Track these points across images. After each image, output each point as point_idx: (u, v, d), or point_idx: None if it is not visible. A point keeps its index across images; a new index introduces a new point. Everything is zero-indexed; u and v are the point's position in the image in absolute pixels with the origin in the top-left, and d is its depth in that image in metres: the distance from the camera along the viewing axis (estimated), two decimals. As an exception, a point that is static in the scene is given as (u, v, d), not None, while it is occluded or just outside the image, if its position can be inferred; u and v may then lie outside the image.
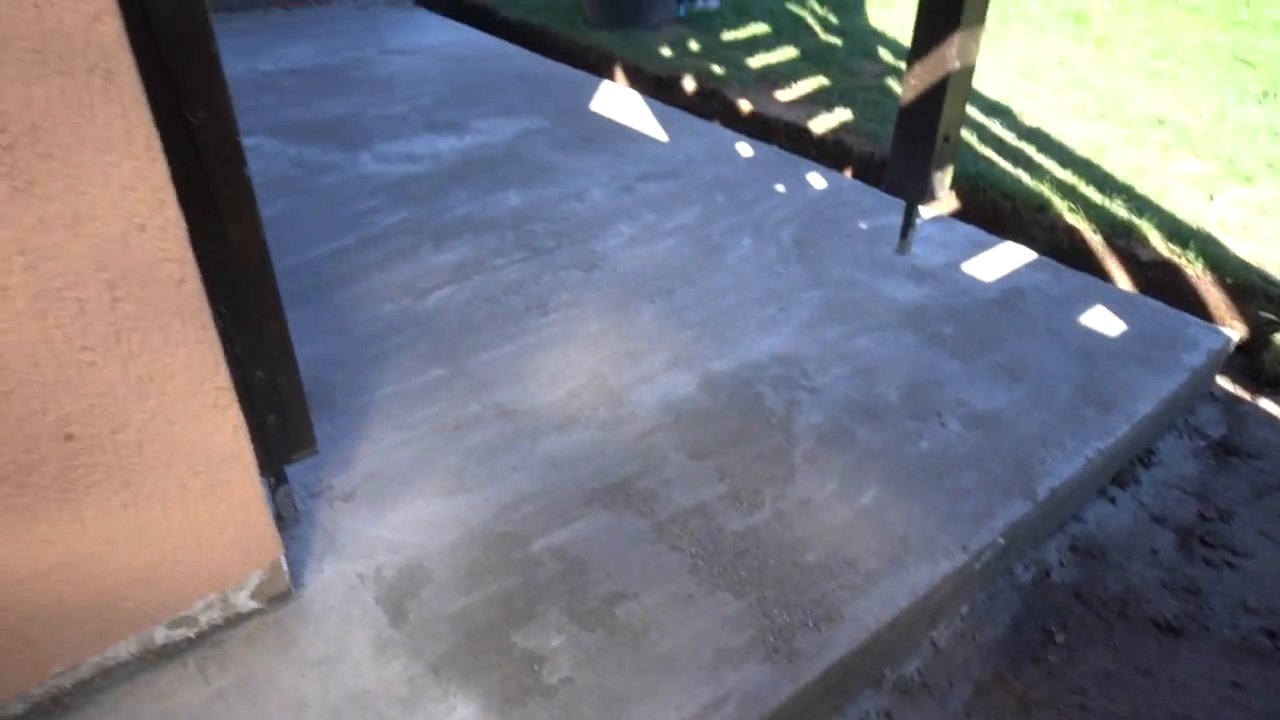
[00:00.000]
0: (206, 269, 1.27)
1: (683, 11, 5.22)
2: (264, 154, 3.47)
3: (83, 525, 1.27)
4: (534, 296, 2.58)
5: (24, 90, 0.99)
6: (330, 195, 3.16)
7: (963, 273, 2.81)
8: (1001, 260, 2.88)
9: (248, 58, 4.53)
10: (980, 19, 2.49)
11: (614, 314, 2.52)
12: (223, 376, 1.32)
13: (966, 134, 3.76)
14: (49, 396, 1.15)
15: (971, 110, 3.98)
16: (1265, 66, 4.64)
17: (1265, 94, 4.27)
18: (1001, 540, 1.83)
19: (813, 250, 2.90)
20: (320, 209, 3.06)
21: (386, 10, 5.44)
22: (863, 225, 3.07)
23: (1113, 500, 2.20)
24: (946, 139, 2.64)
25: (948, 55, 2.48)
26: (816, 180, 3.38)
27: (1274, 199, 3.32)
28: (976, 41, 2.52)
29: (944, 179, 2.73)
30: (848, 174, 3.76)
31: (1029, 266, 2.86)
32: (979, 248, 2.96)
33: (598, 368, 2.28)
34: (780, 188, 3.31)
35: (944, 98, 2.53)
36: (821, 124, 3.91)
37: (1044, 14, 5.42)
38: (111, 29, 1.04)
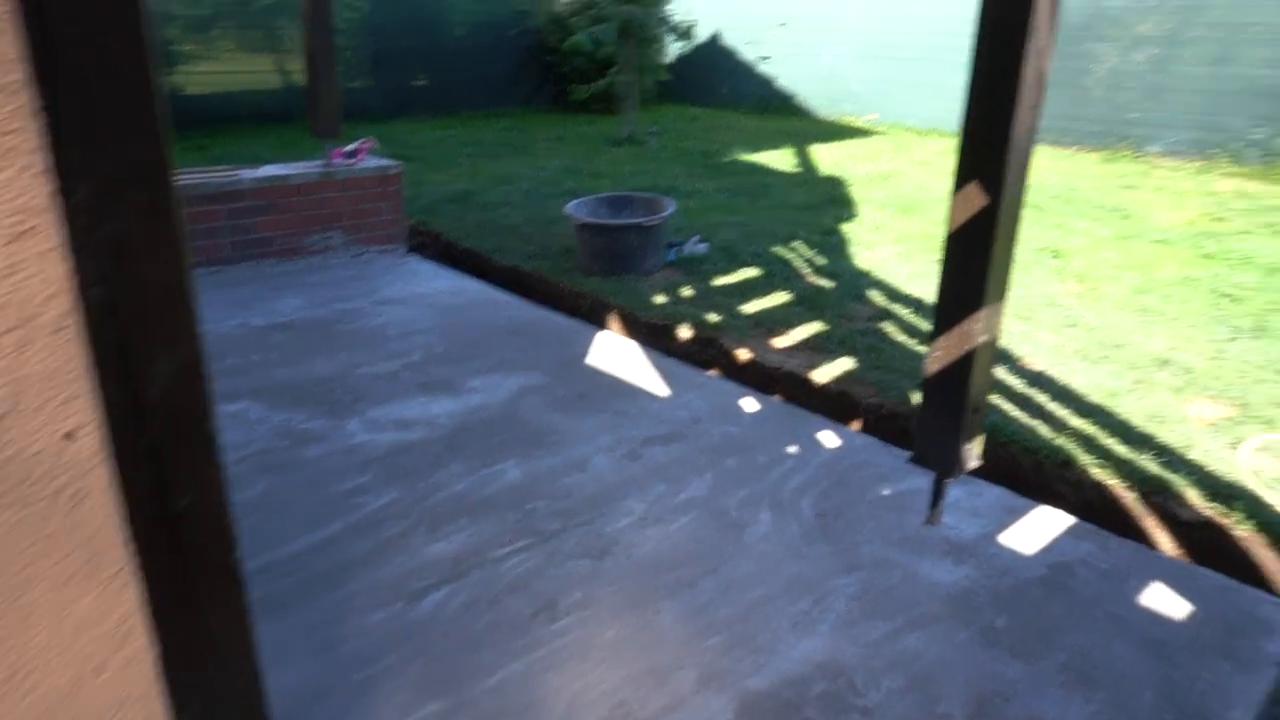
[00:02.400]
0: (182, 697, 1.02)
1: (673, 257, 5.32)
2: (248, 422, 3.30)
3: None
4: (541, 596, 2.33)
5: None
6: (316, 471, 2.96)
7: (1001, 546, 2.60)
8: (1039, 529, 2.69)
9: (240, 310, 4.48)
10: (1002, 294, 2.44)
11: (632, 615, 2.26)
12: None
13: (973, 381, 3.69)
14: None
15: (973, 355, 3.94)
16: (1248, 300, 4.72)
17: (1258, 329, 4.30)
18: None
19: (837, 524, 2.70)
20: (305, 489, 2.85)
21: (380, 258, 5.50)
22: (885, 491, 2.90)
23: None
24: (975, 410, 2.52)
25: (973, 330, 2.40)
26: (828, 438, 3.24)
27: (1301, 447, 3.21)
28: (1000, 314, 2.46)
29: (974, 449, 2.59)
30: (856, 426, 3.64)
31: (1069, 535, 2.66)
32: (1013, 514, 2.77)
33: (619, 692, 1.99)
34: (792, 449, 3.16)
35: (971, 370, 2.44)
36: (824, 373, 3.83)
37: (1023, 251, 5.59)
38: (88, 445, 0.86)
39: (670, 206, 5.17)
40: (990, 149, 2.28)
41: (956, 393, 2.47)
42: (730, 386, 3.71)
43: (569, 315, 4.63)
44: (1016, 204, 2.37)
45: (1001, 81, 2.19)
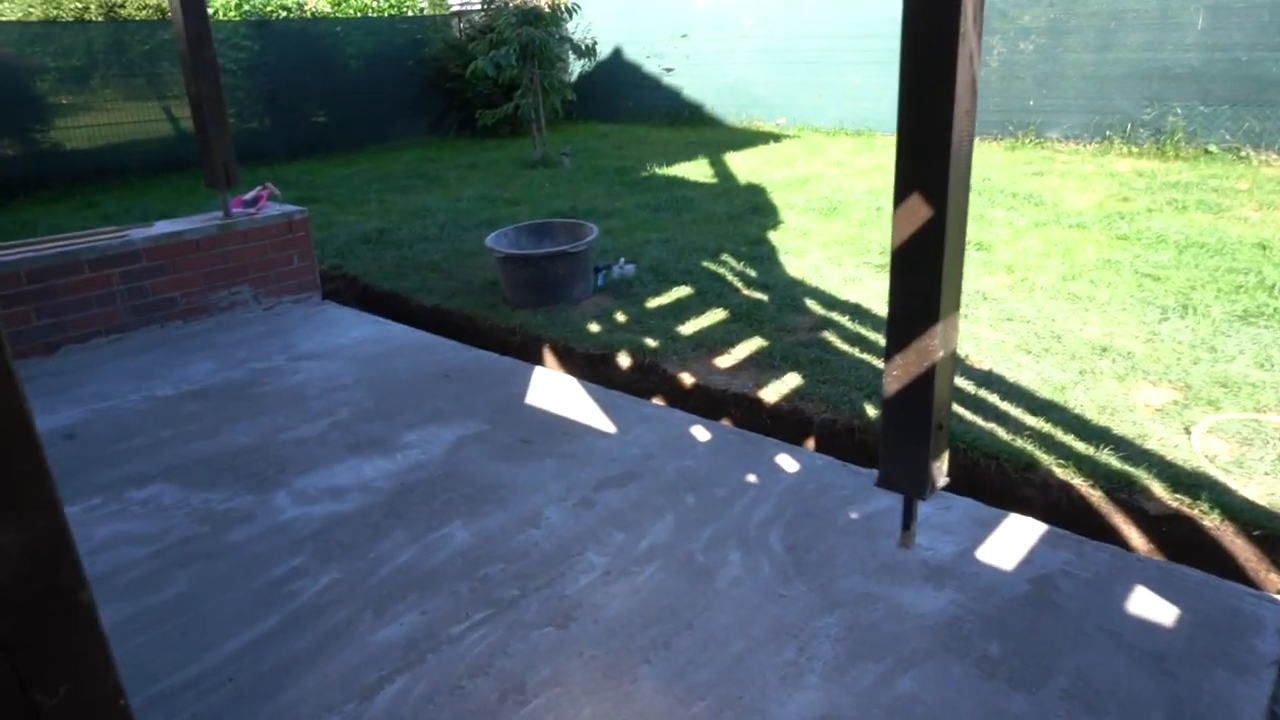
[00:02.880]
0: None
1: (601, 282, 5.17)
2: (163, 507, 3.01)
3: None
4: (507, 676, 2.13)
5: None
6: (244, 558, 2.70)
7: (980, 564, 2.51)
8: (1014, 540, 2.61)
9: (144, 381, 4.14)
10: (956, 305, 2.35)
11: (607, 688, 2.08)
12: None
13: (922, 387, 3.63)
14: None
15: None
16: (1168, 279, 4.81)
17: (1184, 307, 4.36)
18: None
19: (810, 557, 2.57)
20: (232, 580, 2.59)
21: (293, 309, 5.20)
22: (854, 515, 2.79)
23: None
24: (940, 426, 2.43)
25: (930, 346, 2.31)
26: (787, 462, 3.12)
27: (1248, 424, 3.23)
28: (955, 326, 2.38)
29: (942, 466, 2.50)
30: (811, 444, 3.54)
31: (1045, 544, 2.59)
32: (985, 526, 2.69)
33: (606, 783, 1.81)
34: (752, 478, 3.03)
35: (933, 387, 2.34)
36: (772, 392, 3.72)
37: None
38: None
39: (593, 231, 5.02)
40: (930, 159, 2.19)
41: (920, 411, 2.37)
42: (679, 415, 3.56)
43: (501, 352, 4.43)
44: (963, 213, 2.29)
45: (935, 89, 2.10)
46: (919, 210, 2.23)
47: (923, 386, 2.36)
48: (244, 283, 5.06)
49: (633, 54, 13.81)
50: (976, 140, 10.01)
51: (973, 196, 6.83)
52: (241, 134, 10.64)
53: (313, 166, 10.34)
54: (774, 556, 2.58)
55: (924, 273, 2.27)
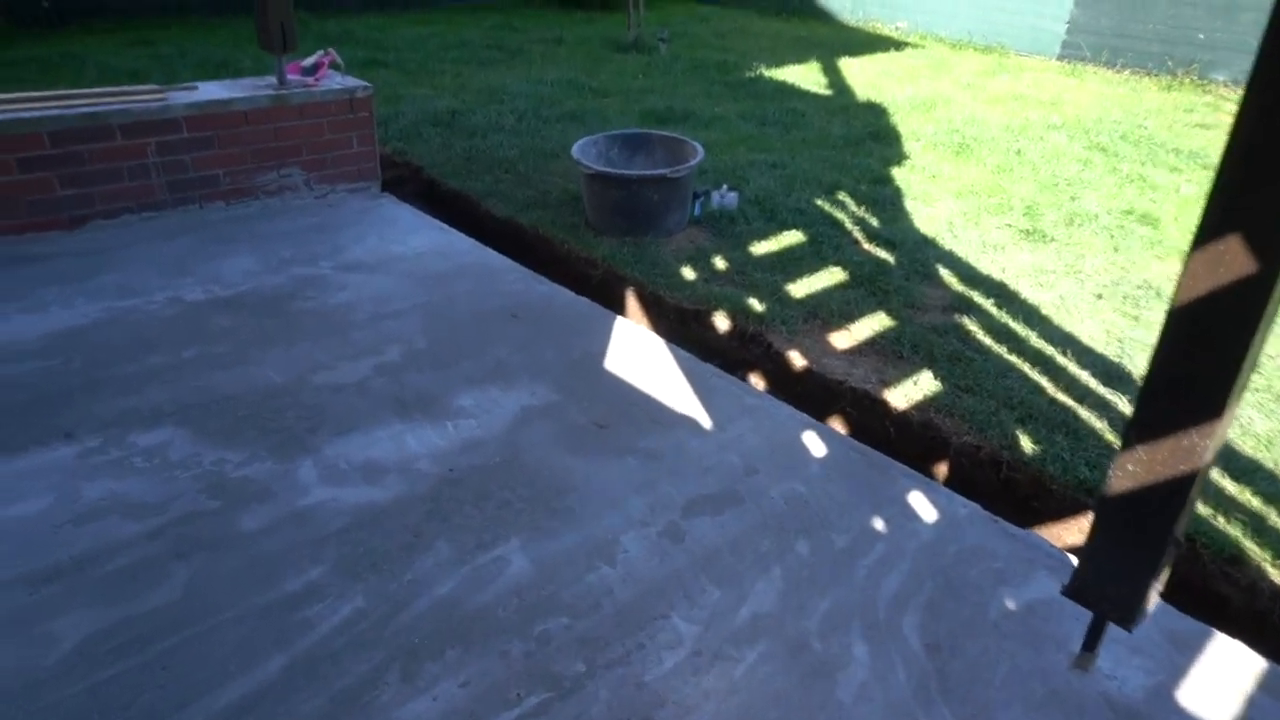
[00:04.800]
0: None
1: (698, 211, 4.46)
2: (169, 464, 2.52)
3: None
4: (565, 816, 1.63)
5: None
6: (254, 555, 2.20)
7: (1184, 713, 1.92)
8: (1224, 678, 2.00)
9: (174, 275, 3.62)
10: (1241, 390, 1.67)
11: None
12: None
13: (1072, 417, 2.96)
14: None
15: (1084, 380, 3.19)
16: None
17: None
18: None
19: (956, 665, 2.00)
20: (236, 587, 2.10)
21: (349, 199, 4.61)
22: (1010, 603, 2.19)
23: None
24: (1177, 543, 1.79)
25: (1198, 446, 1.64)
26: (922, 505, 2.51)
27: None
28: (1230, 421, 1.70)
29: (1159, 586, 1.88)
30: (943, 470, 2.92)
31: (1267, 691, 1.98)
32: (1184, 649, 2.08)
33: None
34: (879, 523, 2.44)
35: (1186, 497, 1.70)
36: (901, 395, 3.08)
37: (1106, 212, 4.76)
38: None
39: (698, 153, 4.28)
40: None
41: (1156, 523, 1.73)
42: (787, 412, 2.95)
43: (578, 288, 3.81)
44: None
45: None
46: (1235, 261, 1.52)
47: (1170, 494, 1.71)
48: (295, 164, 4.46)
49: (745, -74, 12.44)
50: (1123, 73, 8.80)
51: (1127, 149, 5.89)
52: (314, -25, 9.78)
53: (385, 22, 9.50)
54: (910, 656, 2.01)
55: (1220, 350, 1.58)
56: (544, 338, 3.33)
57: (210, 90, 4.22)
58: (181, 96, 4.06)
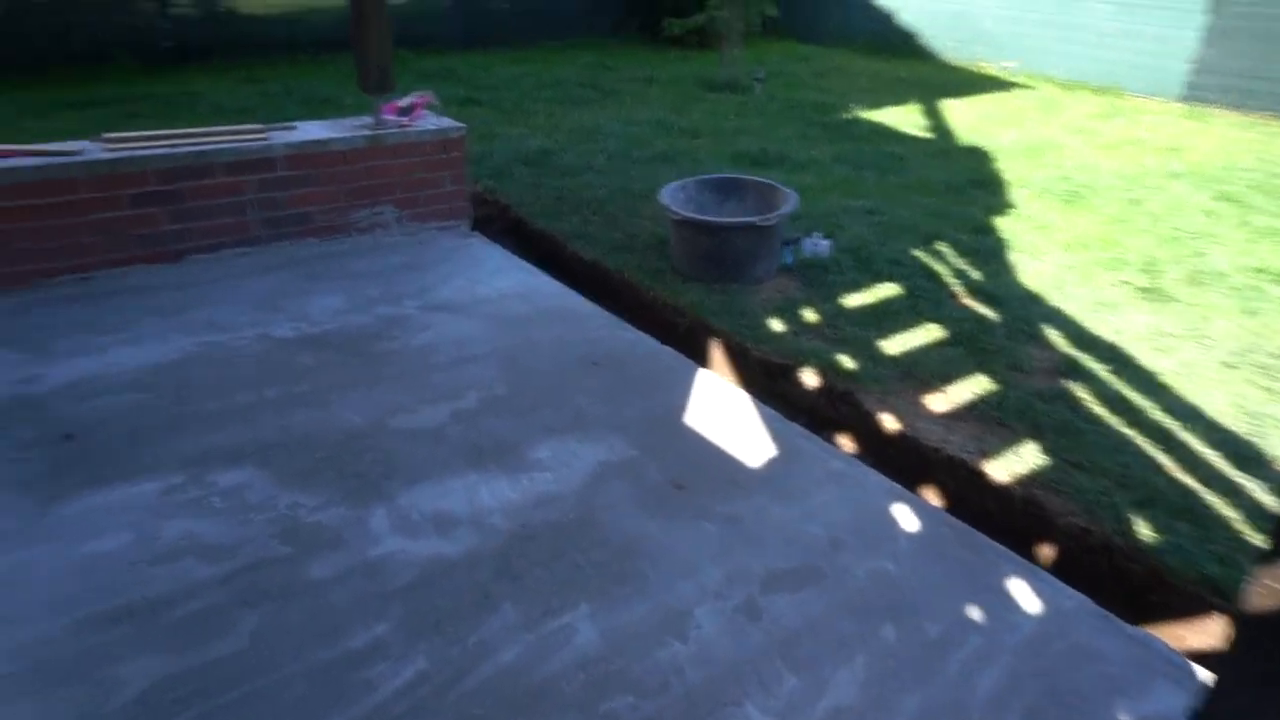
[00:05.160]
0: None
1: (789, 259, 4.33)
2: (246, 505, 2.51)
3: None
4: None
5: None
6: (320, 607, 2.16)
7: None
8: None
9: (264, 312, 3.69)
10: None
11: None
12: None
13: (1204, 505, 2.70)
14: None
15: (1211, 459, 2.93)
16: None
17: None
18: None
19: (1064, 784, 1.80)
20: (300, 640, 2.06)
21: (438, 238, 4.65)
22: (1122, 718, 1.97)
23: None
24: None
25: (1362, 566, 1.43)
26: (1023, 593, 2.31)
27: None
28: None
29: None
30: (1049, 552, 2.70)
31: None
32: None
33: None
34: (974, 612, 2.25)
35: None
36: (1002, 467, 2.88)
37: (1236, 272, 4.42)
38: None
39: (791, 200, 4.17)
40: None
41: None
42: (875, 480, 2.78)
43: (662, 336, 3.73)
44: None
45: None
46: None
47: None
48: (388, 203, 4.52)
49: (846, -35, 12.35)
50: (1252, 116, 8.30)
51: (1261, 199, 5.51)
52: (419, 15, 10.11)
53: (485, 60, 9.72)
54: (1011, 772, 1.82)
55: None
56: (625, 388, 3.25)
57: (309, 130, 4.33)
58: (281, 136, 4.16)
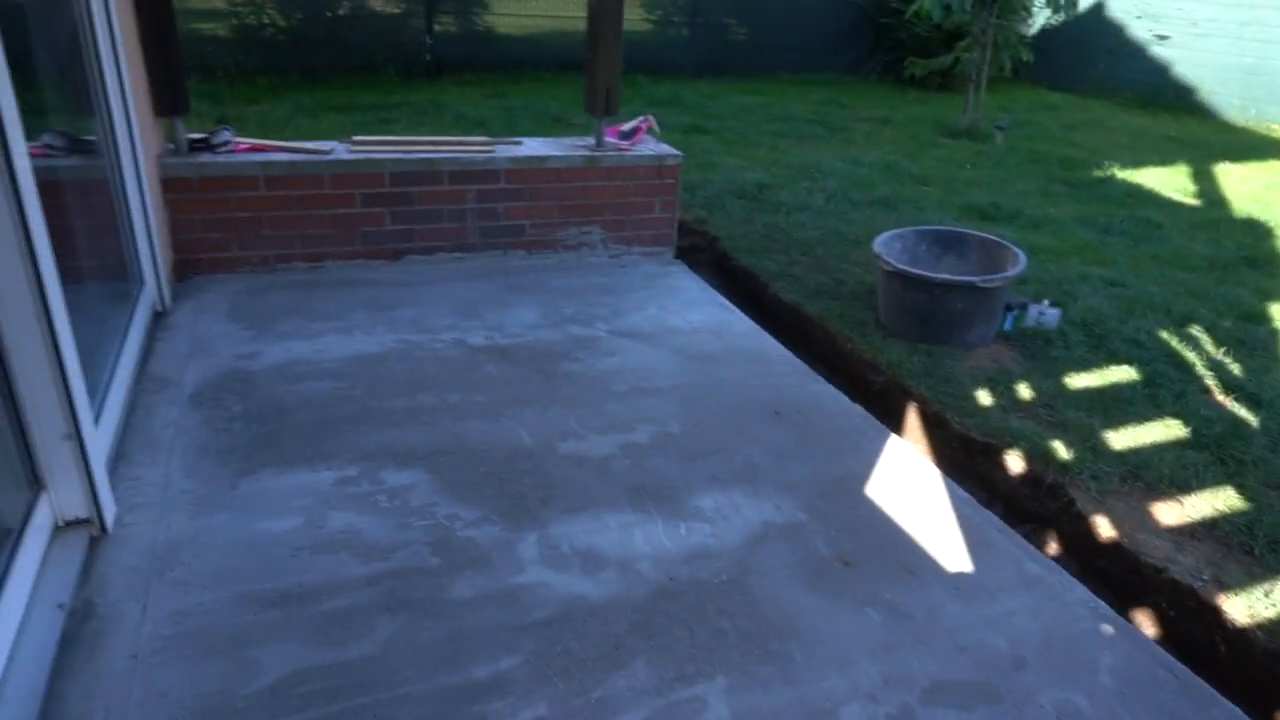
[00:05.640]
0: None
1: (1009, 325, 3.93)
2: (407, 509, 2.55)
3: None
4: None
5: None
6: (454, 629, 2.13)
7: None
8: None
9: (463, 318, 3.81)
10: None
11: None
12: None
13: None
14: None
15: None
16: None
17: None
18: None
19: None
20: (428, 658, 2.03)
21: (640, 264, 4.64)
22: None
23: None
24: None
25: None
26: (1255, 772, 1.89)
27: None
28: None
29: None
30: (1295, 723, 2.21)
31: None
32: None
33: None
34: (1188, 783, 1.86)
35: None
36: (1242, 604, 2.41)
37: None
38: None
39: (1019, 262, 3.78)
40: None
41: None
42: (1078, 594, 2.40)
43: (853, 392, 3.48)
44: None
45: None
46: None
47: None
48: (597, 223, 4.57)
49: (1118, 9, 11.37)
50: None
51: None
52: (656, 42, 10.33)
53: (716, 89, 9.76)
54: None
55: None
56: (804, 444, 3.04)
57: (532, 146, 4.45)
58: (506, 150, 4.31)
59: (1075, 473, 2.95)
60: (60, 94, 2.91)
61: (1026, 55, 8.72)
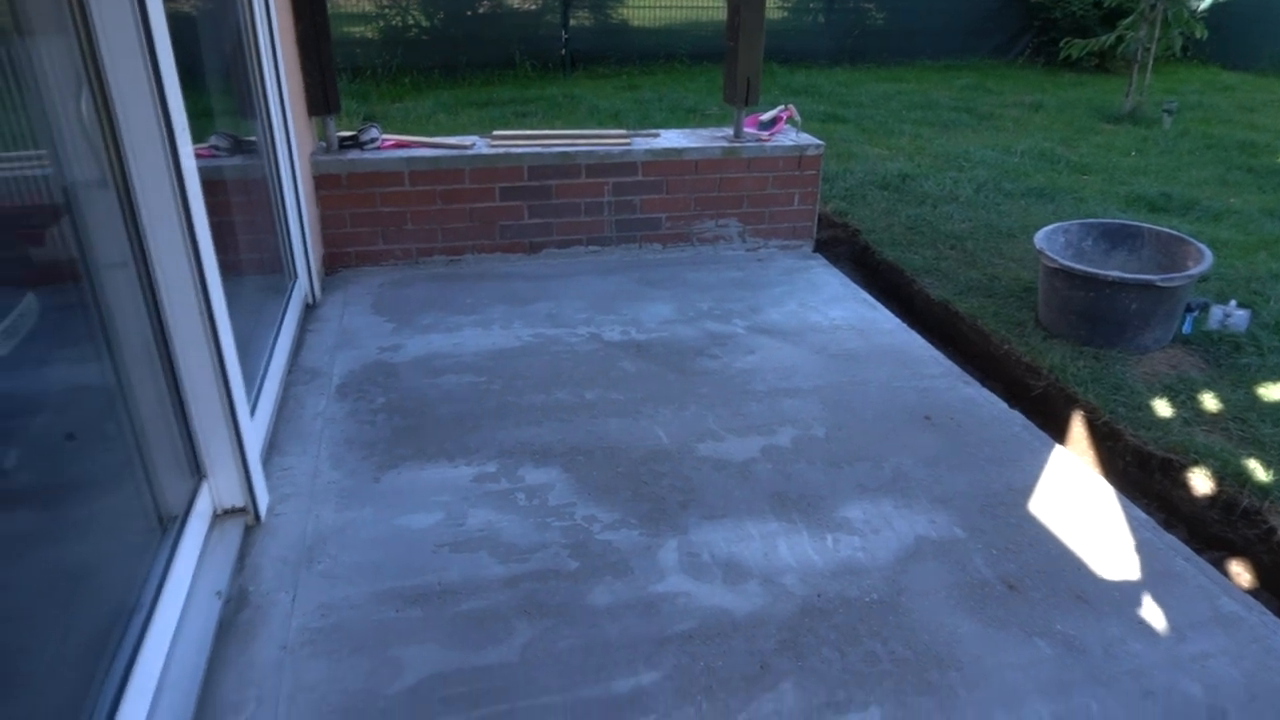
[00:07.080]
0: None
1: (1187, 328, 3.58)
2: (547, 508, 2.52)
3: None
4: None
5: None
6: (592, 639, 2.07)
7: None
8: None
9: (599, 312, 3.77)
10: None
11: None
12: None
13: None
14: None
15: None
16: None
17: None
18: None
19: None
20: (565, 669, 1.98)
21: (778, 257, 4.49)
22: None
23: None
24: None
25: None
26: None
27: None
28: None
29: None
30: None
31: None
32: None
33: None
34: None
35: None
36: None
37: None
38: None
39: (1204, 259, 3.43)
40: None
41: None
42: (1277, 643, 2.13)
43: (1011, 398, 3.24)
44: None
45: None
46: None
47: None
48: (734, 216, 4.45)
49: (1305, -20, 10.31)
50: None
51: None
52: (791, 30, 10.08)
53: (855, 76, 9.42)
54: None
55: None
56: (958, 453, 2.84)
57: (669, 138, 4.37)
58: (643, 143, 4.24)
59: (1274, 496, 2.63)
60: (225, 97, 3.02)
61: (1200, 32, 8.00)
